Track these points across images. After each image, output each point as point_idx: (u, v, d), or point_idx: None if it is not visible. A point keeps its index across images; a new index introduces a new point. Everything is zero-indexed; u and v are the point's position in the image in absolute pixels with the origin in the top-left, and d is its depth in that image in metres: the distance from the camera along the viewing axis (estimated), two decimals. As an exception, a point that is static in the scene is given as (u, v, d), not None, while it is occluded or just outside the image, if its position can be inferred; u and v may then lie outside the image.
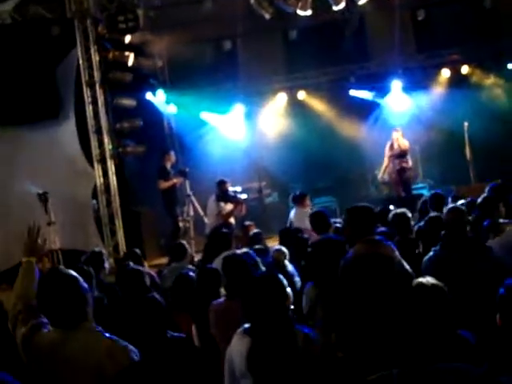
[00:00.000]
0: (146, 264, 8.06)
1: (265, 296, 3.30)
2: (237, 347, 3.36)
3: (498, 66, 14.18)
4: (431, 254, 4.72)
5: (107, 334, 3.21)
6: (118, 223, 11.21)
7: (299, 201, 9.57)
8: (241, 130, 14.34)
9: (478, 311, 3.92)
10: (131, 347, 3.16)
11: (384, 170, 12.77)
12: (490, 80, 14.32)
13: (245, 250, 5.62)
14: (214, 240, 6.42)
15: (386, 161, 12.60)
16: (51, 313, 3.27)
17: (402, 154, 12.31)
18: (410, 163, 12.53)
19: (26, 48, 10.57)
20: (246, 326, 3.39)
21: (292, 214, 9.63)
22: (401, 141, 12.34)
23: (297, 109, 14.39)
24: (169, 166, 11.17)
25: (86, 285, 3.32)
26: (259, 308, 3.30)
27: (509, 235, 5.02)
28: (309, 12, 10.69)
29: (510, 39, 13.73)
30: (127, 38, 11.18)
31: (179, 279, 5.55)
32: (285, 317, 3.33)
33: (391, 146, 12.41)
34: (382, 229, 6.38)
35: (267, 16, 10.85)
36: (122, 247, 11.03)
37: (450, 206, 5.18)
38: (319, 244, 4.56)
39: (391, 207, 8.08)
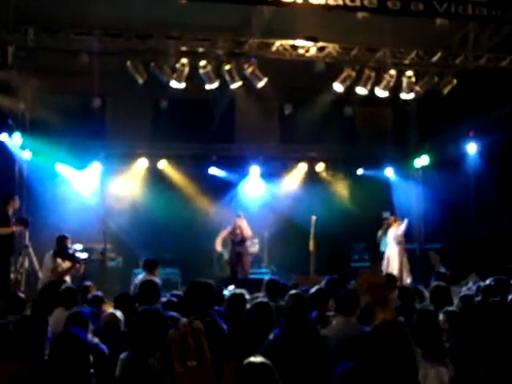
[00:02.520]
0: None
1: None
2: None
3: (350, 169, 15.29)
4: (271, 337, 4.71)
5: None
6: None
7: (150, 267, 9.26)
8: (95, 189, 13.99)
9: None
10: None
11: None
12: (341, 180, 15.32)
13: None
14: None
15: (219, 241, 12.88)
16: None
17: (242, 241, 12.69)
18: (254, 249, 13.05)
19: None
20: None
21: (139, 278, 9.33)
22: (246, 229, 12.71)
23: (155, 177, 14.37)
24: (11, 211, 10.54)
25: None
26: None
27: (335, 328, 5.19)
28: (182, 85, 10.87)
29: (363, 148, 14.86)
30: (-9, 73, 10.74)
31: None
32: None
33: (233, 231, 12.69)
34: (217, 308, 6.38)
35: (140, 81, 10.90)
36: None
37: (292, 292, 5.18)
38: (142, 314, 4.45)
39: (231, 287, 8.14)
